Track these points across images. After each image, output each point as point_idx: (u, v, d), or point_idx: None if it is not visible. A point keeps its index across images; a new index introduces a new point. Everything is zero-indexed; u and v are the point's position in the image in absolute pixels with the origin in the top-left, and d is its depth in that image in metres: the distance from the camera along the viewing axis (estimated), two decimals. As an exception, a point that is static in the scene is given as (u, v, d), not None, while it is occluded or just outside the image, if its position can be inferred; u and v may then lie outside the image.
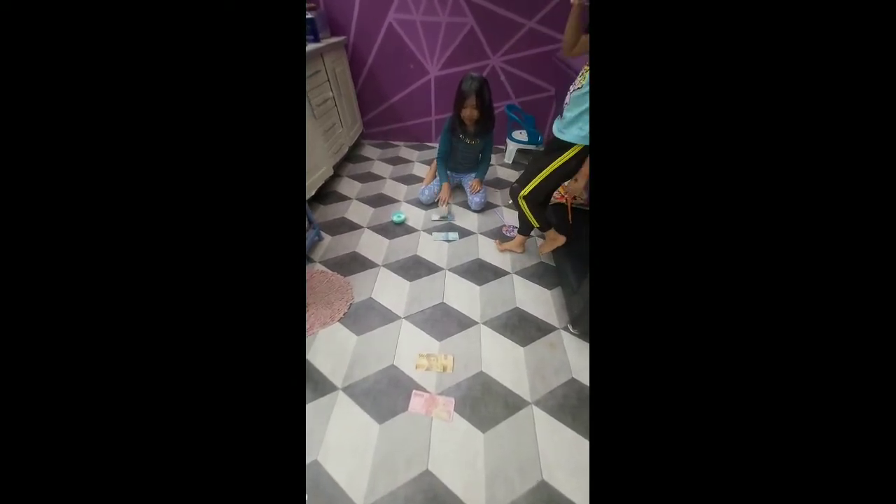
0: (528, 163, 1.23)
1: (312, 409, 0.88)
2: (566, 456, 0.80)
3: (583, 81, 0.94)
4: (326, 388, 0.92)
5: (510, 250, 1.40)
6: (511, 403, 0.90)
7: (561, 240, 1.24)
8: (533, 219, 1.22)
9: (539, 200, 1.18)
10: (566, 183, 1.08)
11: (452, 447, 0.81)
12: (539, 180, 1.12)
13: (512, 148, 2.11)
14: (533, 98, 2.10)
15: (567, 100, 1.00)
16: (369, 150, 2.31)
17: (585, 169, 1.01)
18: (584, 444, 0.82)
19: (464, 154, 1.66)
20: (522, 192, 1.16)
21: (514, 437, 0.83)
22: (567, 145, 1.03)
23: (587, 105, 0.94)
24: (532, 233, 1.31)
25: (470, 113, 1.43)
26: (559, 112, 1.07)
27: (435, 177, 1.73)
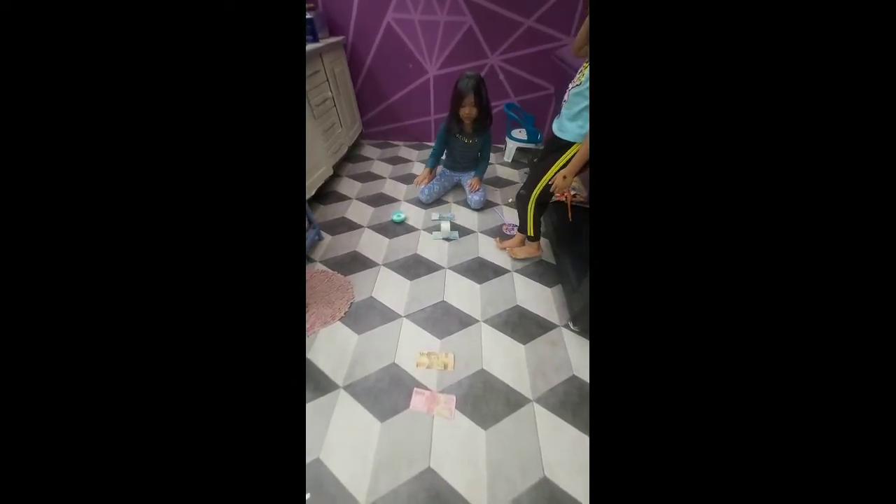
0: (531, 167, 1.23)
1: (314, 408, 0.88)
2: (568, 453, 0.80)
3: (581, 78, 0.93)
4: (328, 386, 0.93)
5: (511, 248, 1.40)
6: (512, 401, 0.90)
7: (537, 254, 1.35)
8: (532, 227, 1.24)
9: (542, 201, 1.18)
10: (553, 179, 1.06)
11: (454, 445, 0.81)
12: (544, 183, 1.11)
13: (511, 147, 2.11)
14: (532, 97, 2.10)
15: (566, 97, 1.00)
16: (369, 150, 2.31)
17: (572, 165, 1.00)
18: (585, 441, 0.82)
19: (462, 153, 1.66)
20: (532, 198, 1.16)
21: (516, 434, 0.83)
22: (567, 144, 1.02)
23: (586, 102, 0.94)
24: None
25: (469, 111, 1.43)
26: (558, 111, 1.06)
27: (434, 177, 1.73)
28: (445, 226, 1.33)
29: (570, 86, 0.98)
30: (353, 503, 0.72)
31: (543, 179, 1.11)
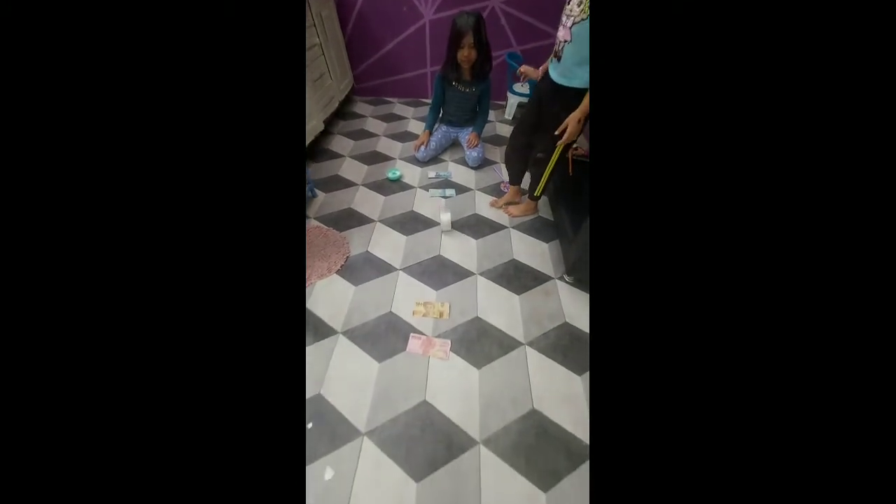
0: (527, 119, 1.15)
1: (314, 350, 0.91)
2: (556, 388, 0.84)
3: (584, 15, 0.84)
4: (327, 332, 0.95)
5: (506, 207, 1.38)
6: (506, 344, 0.93)
7: (535, 212, 1.36)
8: (542, 187, 1.19)
9: (563, 160, 1.11)
10: (566, 122, 0.99)
11: (449, 382, 0.85)
12: (566, 141, 1.00)
13: (513, 102, 2.00)
14: (536, 45, 1.95)
15: (567, 36, 0.88)
16: (362, 107, 2.20)
17: (585, 106, 0.94)
18: (574, 378, 0.86)
19: (460, 104, 1.57)
20: (553, 159, 1.09)
21: (508, 372, 0.87)
22: (579, 92, 0.92)
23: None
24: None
25: (468, 53, 1.33)
26: (555, 52, 0.96)
27: (430, 135, 1.65)
28: (446, 218, 1.28)
29: (565, 20, 0.87)
30: (353, 430, 0.76)
31: (565, 138, 0.99)
